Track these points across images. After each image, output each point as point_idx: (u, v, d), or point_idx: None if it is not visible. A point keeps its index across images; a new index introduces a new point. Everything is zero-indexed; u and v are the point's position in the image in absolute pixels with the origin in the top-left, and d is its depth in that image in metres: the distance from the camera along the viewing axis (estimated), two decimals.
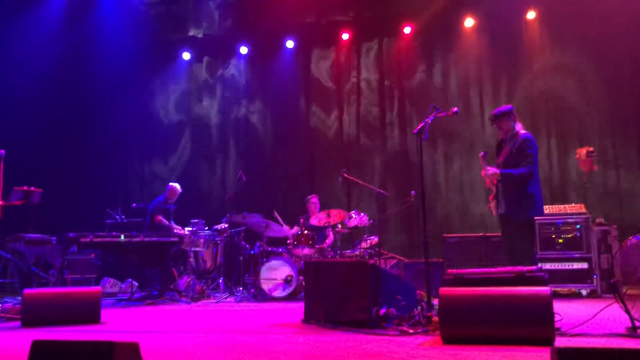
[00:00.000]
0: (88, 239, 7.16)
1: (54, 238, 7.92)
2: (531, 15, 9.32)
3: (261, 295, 7.44)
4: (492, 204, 5.30)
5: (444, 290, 3.85)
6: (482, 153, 5.30)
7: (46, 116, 10.23)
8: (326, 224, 7.86)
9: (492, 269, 4.31)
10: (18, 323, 5.13)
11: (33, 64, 9.78)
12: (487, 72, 9.50)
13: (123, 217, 8.25)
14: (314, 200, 8.70)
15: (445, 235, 8.01)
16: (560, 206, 7.30)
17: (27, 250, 7.65)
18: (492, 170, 5.12)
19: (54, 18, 10.39)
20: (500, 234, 5.74)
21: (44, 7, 10.32)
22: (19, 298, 5.95)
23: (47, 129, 10.22)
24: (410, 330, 4.19)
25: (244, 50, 10.79)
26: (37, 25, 10.12)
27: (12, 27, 9.72)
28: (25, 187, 6.34)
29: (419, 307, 4.56)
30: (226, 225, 8.36)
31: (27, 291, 5.23)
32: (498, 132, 5.35)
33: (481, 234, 7.83)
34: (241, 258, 8.05)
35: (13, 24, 9.73)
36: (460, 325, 3.72)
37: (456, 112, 5.09)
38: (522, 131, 5.25)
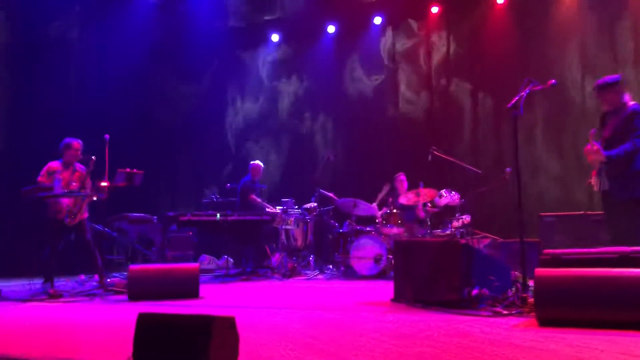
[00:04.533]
0: (186, 218, 7.53)
1: (154, 217, 8.37)
2: None
3: (350, 274, 7.51)
4: (594, 180, 5.01)
5: (540, 270, 3.71)
6: (592, 130, 4.97)
7: (146, 103, 10.78)
8: (415, 203, 7.76)
9: (593, 249, 4.09)
10: (125, 296, 5.50)
11: (128, 53, 10.22)
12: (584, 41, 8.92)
13: (218, 196, 8.57)
14: (401, 177, 8.54)
15: (541, 214, 7.67)
16: None
17: (131, 228, 8.14)
18: (596, 148, 4.81)
19: (144, 10, 10.84)
20: (602, 212, 5.42)
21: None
22: (125, 273, 6.38)
23: (148, 114, 10.78)
24: (504, 312, 4.08)
25: (331, 29, 10.78)
26: (129, 17, 10.57)
27: (107, 20, 10.24)
28: (128, 170, 6.70)
29: (514, 288, 4.43)
30: (315, 204, 8.46)
31: (132, 267, 5.59)
32: (601, 105, 5.01)
33: (581, 212, 7.43)
34: (330, 236, 8.13)
35: (107, 19, 10.25)
36: (557, 307, 3.57)
37: (554, 84, 4.80)
38: (631, 102, 4.87)
